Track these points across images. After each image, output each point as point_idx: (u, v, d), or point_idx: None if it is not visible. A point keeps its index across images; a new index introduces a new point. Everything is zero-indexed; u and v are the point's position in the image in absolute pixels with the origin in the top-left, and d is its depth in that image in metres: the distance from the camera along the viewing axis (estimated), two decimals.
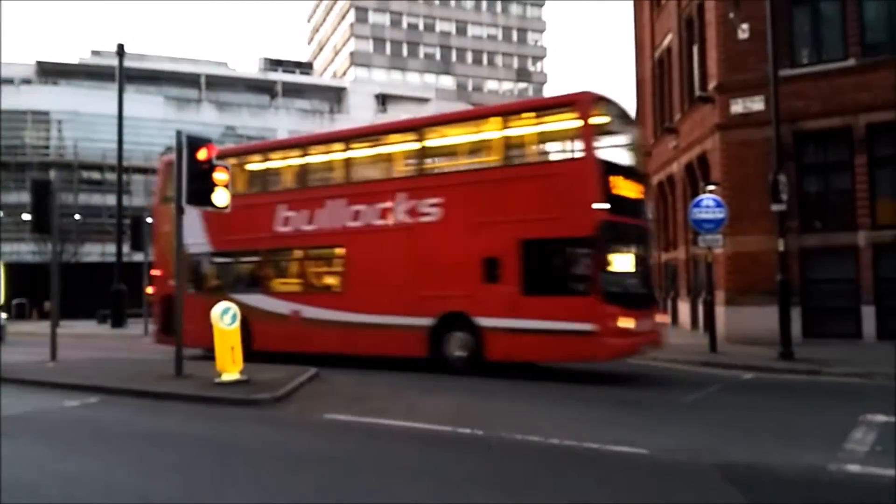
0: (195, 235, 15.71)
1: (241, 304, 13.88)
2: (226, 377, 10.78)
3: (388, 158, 14.86)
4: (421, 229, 13.14)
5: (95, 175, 49.11)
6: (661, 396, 10.26)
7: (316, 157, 15.57)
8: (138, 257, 27.35)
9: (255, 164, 16.54)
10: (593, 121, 11.68)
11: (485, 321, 12.23)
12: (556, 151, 13.36)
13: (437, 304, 12.76)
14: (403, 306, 13.19)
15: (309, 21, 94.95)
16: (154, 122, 47.18)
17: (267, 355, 14.14)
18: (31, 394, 11.12)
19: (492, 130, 12.95)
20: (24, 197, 19.56)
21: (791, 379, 11.92)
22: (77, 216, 42.84)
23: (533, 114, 13.03)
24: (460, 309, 12.50)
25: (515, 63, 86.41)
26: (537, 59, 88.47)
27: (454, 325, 12.62)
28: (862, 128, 16.27)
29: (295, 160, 15.81)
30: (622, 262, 12.33)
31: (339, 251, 14.38)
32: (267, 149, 17.57)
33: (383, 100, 62.12)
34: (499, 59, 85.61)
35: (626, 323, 11.48)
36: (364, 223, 13.92)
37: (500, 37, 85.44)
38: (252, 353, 13.99)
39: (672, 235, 23.64)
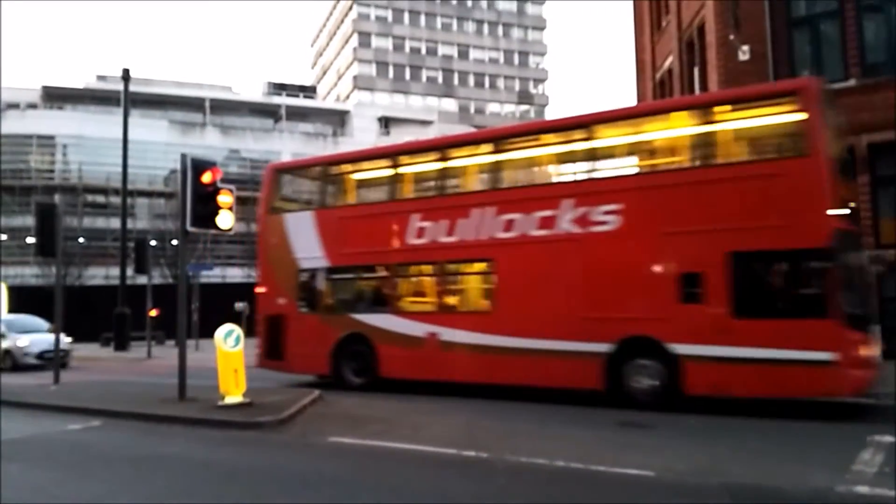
0: (309, 249, 14.33)
1: (364, 325, 13.04)
2: (229, 400, 10.73)
3: (551, 160, 13.41)
4: (593, 240, 11.38)
5: (100, 198, 49.41)
6: (666, 417, 10.17)
7: (458, 161, 13.87)
8: (142, 280, 27.39)
9: (378, 171, 14.98)
10: (821, 112, 10.04)
11: (682, 348, 10.40)
12: (772, 148, 11.29)
13: (615, 328, 11.00)
14: (570, 329, 11.39)
15: (312, 45, 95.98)
16: (159, 145, 47.53)
17: (394, 383, 13.13)
18: (34, 417, 11.09)
19: (687, 125, 11.26)
20: (29, 220, 19.65)
21: (801, 399, 11.82)
22: (81, 239, 43.00)
23: (741, 105, 11.12)
24: (647, 333, 10.72)
25: (517, 86, 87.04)
26: (539, 81, 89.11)
27: (638, 351, 10.81)
28: (864, 147, 16.29)
29: (432, 165, 13.93)
30: (853, 278, 10.51)
31: (487, 265, 12.72)
32: (396, 153, 15.34)
33: (386, 122, 62.54)
34: (500, 82, 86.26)
35: (867, 350, 10.04)
36: (519, 233, 12.14)
37: (501, 60, 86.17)
38: (378, 381, 13.23)
39: None
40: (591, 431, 9.19)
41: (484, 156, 13.53)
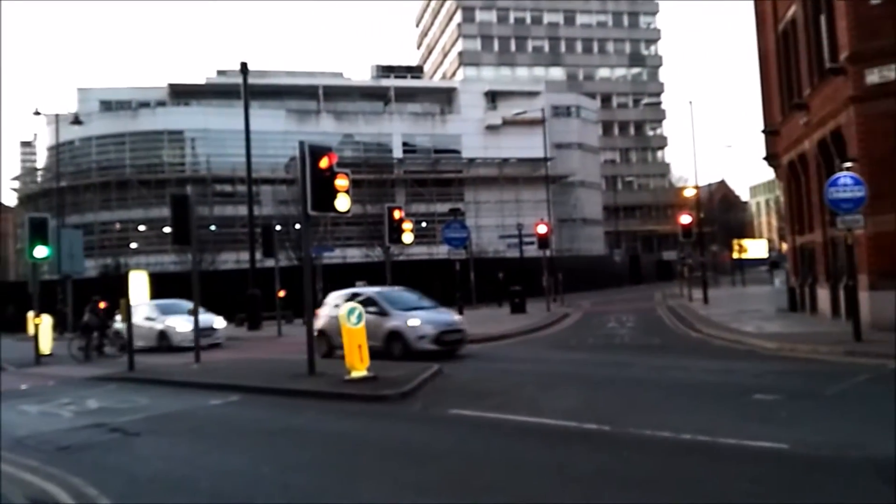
0: None
1: None
2: (354, 374, 11.18)
3: None
4: None
5: (227, 188, 52.19)
6: (801, 388, 9.69)
7: None
8: (270, 263, 28.82)
9: None
10: None
11: None
12: None
13: None
14: None
15: (417, 25, 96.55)
16: (277, 134, 49.54)
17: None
18: (179, 394, 11.99)
19: None
20: (165, 211, 21.04)
21: None
22: (213, 227, 45.69)
23: None
24: None
25: (628, 48, 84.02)
26: (651, 42, 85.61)
27: None
28: None
29: None
30: None
31: None
32: None
33: (493, 97, 62.21)
34: (610, 46, 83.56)
35: None
36: None
37: (610, 22, 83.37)
38: None
39: (807, 217, 22.24)
40: (720, 404, 8.90)
41: None
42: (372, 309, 14.83)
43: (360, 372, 11.21)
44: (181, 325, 20.01)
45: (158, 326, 20.68)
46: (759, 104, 24.93)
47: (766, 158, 24.73)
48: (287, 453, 7.46)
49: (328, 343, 15.94)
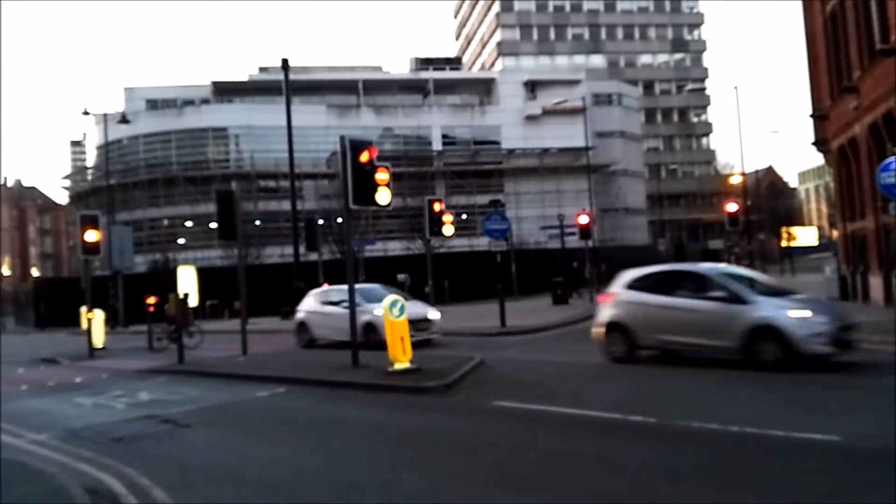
0: None
1: None
2: (398, 366, 11.27)
3: None
4: None
5: (271, 183, 52.95)
6: (852, 378, 9.45)
7: None
8: (313, 256, 29.21)
9: None
10: None
11: None
12: None
13: None
14: None
15: (456, 16, 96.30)
16: (318, 129, 50.02)
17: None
18: (228, 386, 12.24)
19: None
20: (211, 207, 21.45)
21: None
22: (257, 222, 46.42)
23: None
24: None
25: (670, 33, 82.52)
26: (693, 26, 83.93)
27: None
28: None
29: None
30: None
31: None
32: None
33: (532, 87, 61.75)
34: (651, 32, 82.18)
35: None
36: None
37: (651, 7, 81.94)
38: None
39: (858, 204, 21.61)
40: (768, 395, 8.73)
41: None
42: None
43: (403, 364, 11.30)
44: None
45: (364, 317, 15.62)
46: (807, 88, 24.26)
47: (814, 143, 24.08)
48: (332, 444, 7.57)
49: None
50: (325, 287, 18.89)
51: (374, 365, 11.90)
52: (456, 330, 19.27)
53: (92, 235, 18.81)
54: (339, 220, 33.19)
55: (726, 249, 37.78)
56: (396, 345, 11.34)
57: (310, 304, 18.68)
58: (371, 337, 15.39)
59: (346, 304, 14.29)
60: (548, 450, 6.73)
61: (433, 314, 17.35)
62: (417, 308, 16.39)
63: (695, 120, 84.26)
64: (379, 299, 15.24)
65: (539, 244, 44.06)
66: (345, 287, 15.34)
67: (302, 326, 18.37)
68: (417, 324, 15.33)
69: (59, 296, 40.28)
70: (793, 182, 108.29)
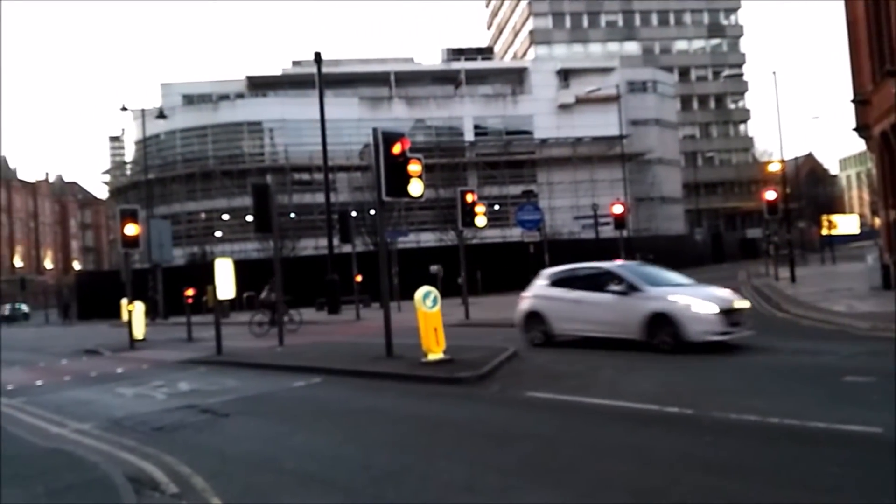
0: None
1: None
2: (431, 357, 11.31)
3: None
4: None
5: (305, 176, 53.36)
6: (895, 369, 9.22)
7: None
8: (347, 248, 29.39)
9: None
10: None
11: None
12: None
13: None
14: None
15: (487, 6, 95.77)
16: (351, 122, 50.20)
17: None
18: (265, 376, 12.42)
19: None
20: (247, 200, 21.71)
21: None
22: (292, 215, 46.85)
23: None
24: None
25: (706, 18, 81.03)
26: (730, 11, 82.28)
27: None
28: None
29: None
30: None
31: None
32: None
33: (565, 75, 61.15)
34: (687, 17, 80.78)
35: None
36: None
37: None
38: None
39: None
40: (808, 386, 8.58)
41: None
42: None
43: (436, 354, 11.34)
44: (700, 304, 11.67)
45: (651, 306, 11.89)
46: (848, 72, 23.63)
47: (856, 129, 23.48)
48: (368, 434, 7.64)
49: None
50: (567, 267, 14.18)
51: (407, 356, 11.96)
52: (489, 321, 19.28)
53: (131, 229, 19.17)
54: (373, 212, 33.36)
55: (764, 238, 37.03)
56: (430, 336, 11.38)
57: (545, 288, 14.06)
58: (661, 331, 11.57)
59: (617, 288, 12.23)
60: (583, 441, 6.71)
61: (741, 301, 12.55)
62: (717, 294, 12.23)
63: (732, 106, 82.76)
64: (666, 283, 12.68)
65: (573, 234, 43.72)
66: (602, 265, 13.41)
67: (533, 318, 13.82)
68: (730, 315, 11.56)
69: (100, 288, 41.22)
70: (833, 169, 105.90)
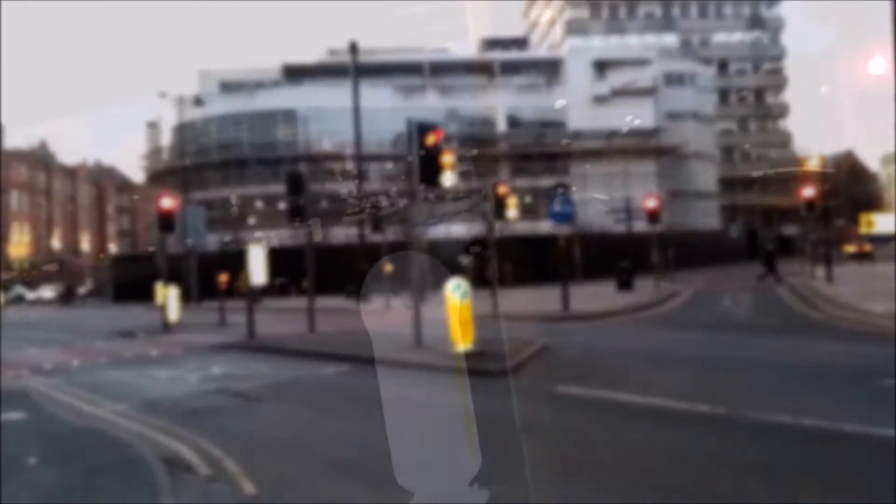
0: None
1: None
2: (461, 348, 11.31)
3: None
4: None
5: (337, 165, 53.62)
6: None
7: None
8: (377, 238, 29.52)
9: None
10: None
11: None
12: None
13: None
14: None
15: None
16: (384, 111, 50.12)
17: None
18: (295, 362, 12.55)
19: None
20: (280, 188, 21.85)
21: None
22: (324, 203, 47.14)
23: None
24: None
25: (747, 10, 79.43)
26: (771, 3, 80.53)
27: None
28: None
29: None
30: None
31: None
32: None
33: (601, 67, 60.46)
34: (727, 9, 79.23)
35: None
36: None
37: None
38: None
39: None
40: (844, 388, 8.42)
41: None
42: None
43: (465, 346, 11.33)
44: None
45: None
46: (893, 66, 22.96)
47: None
48: (397, 423, 7.66)
49: None
50: None
51: (436, 347, 11.98)
52: (519, 313, 19.23)
53: (168, 214, 19.48)
54: (403, 202, 33.43)
55: (801, 236, 36.37)
56: (459, 327, 11.37)
57: None
58: None
59: None
60: (612, 437, 6.67)
61: None
62: None
63: (771, 101, 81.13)
64: None
65: (604, 228, 43.35)
66: None
67: None
68: None
69: (135, 272, 41.98)
70: (874, 166, 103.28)
